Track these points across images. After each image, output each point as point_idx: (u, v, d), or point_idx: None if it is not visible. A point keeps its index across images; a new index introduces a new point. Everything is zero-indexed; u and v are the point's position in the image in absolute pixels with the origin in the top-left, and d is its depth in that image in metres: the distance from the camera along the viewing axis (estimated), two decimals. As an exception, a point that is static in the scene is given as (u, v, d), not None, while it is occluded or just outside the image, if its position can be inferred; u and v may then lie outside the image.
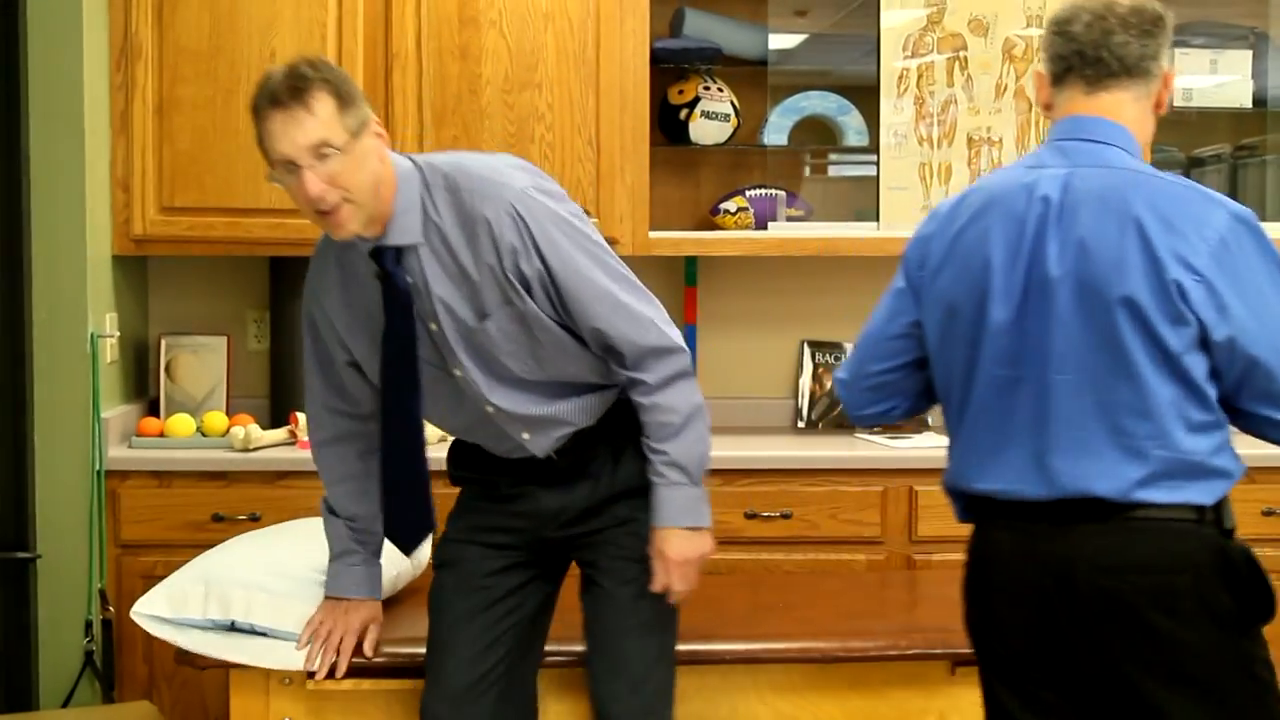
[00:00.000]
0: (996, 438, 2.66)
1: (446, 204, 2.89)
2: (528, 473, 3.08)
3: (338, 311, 3.02)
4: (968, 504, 2.79)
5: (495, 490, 3.13)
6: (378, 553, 3.24)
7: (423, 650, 3.17)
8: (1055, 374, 2.57)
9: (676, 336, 3.01)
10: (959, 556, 4.21)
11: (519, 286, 2.88)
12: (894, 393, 2.92)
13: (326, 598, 3.21)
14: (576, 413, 3.03)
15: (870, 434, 4.80)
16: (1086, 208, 2.56)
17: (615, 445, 3.08)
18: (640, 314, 2.96)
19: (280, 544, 3.50)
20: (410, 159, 2.94)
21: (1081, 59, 2.67)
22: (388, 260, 2.88)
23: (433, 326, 2.93)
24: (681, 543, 2.98)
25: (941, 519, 4.28)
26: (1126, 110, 2.68)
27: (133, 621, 3.33)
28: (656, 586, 2.99)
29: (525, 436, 3.02)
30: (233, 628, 3.26)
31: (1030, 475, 2.61)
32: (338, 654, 3.15)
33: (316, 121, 2.75)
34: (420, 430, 3.06)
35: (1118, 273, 2.51)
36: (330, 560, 3.21)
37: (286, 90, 2.75)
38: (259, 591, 3.24)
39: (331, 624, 3.17)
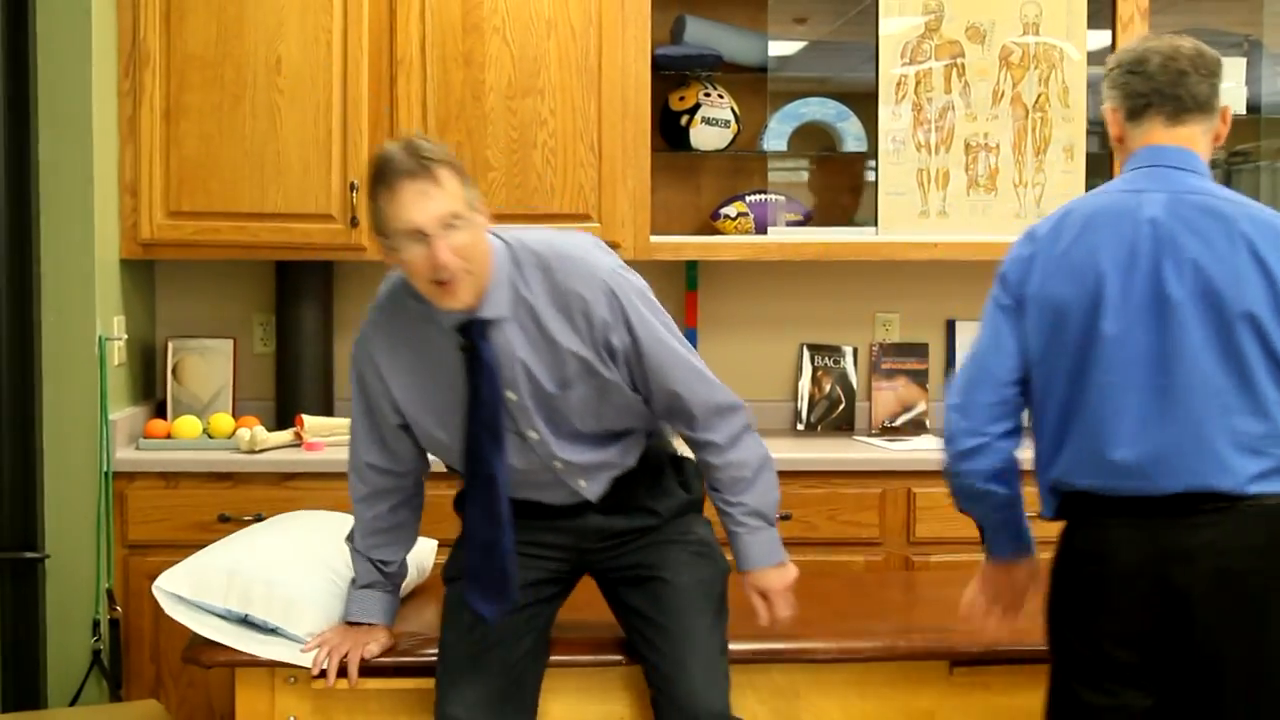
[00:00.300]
0: (1111, 439, 2.80)
1: (539, 281, 3.00)
2: (573, 511, 3.24)
3: (399, 377, 3.10)
4: (1065, 501, 2.92)
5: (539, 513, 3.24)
6: (399, 587, 3.34)
7: (428, 650, 3.23)
8: (1176, 381, 2.76)
9: (733, 393, 3.18)
10: (956, 558, 4.29)
11: (606, 356, 3.03)
12: (1011, 410, 2.98)
13: (345, 621, 3.27)
14: (623, 454, 3.19)
15: (869, 437, 4.84)
16: (1194, 229, 2.80)
17: (652, 477, 3.27)
18: (709, 375, 3.15)
19: (312, 543, 3.51)
20: (498, 235, 3.04)
21: (1160, 96, 2.90)
22: (475, 332, 2.98)
23: (511, 395, 3.04)
24: (775, 578, 3.24)
25: (939, 520, 4.34)
26: (1199, 142, 2.93)
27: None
28: (763, 620, 3.21)
29: (582, 484, 3.17)
30: (246, 621, 3.30)
31: (1151, 472, 2.77)
32: (343, 664, 3.20)
33: (445, 194, 2.88)
34: (505, 493, 3.09)
35: (1237, 289, 2.76)
36: (354, 587, 3.27)
37: (417, 164, 2.87)
38: (280, 591, 3.29)
39: (340, 639, 3.23)
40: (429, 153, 2.89)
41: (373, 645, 3.22)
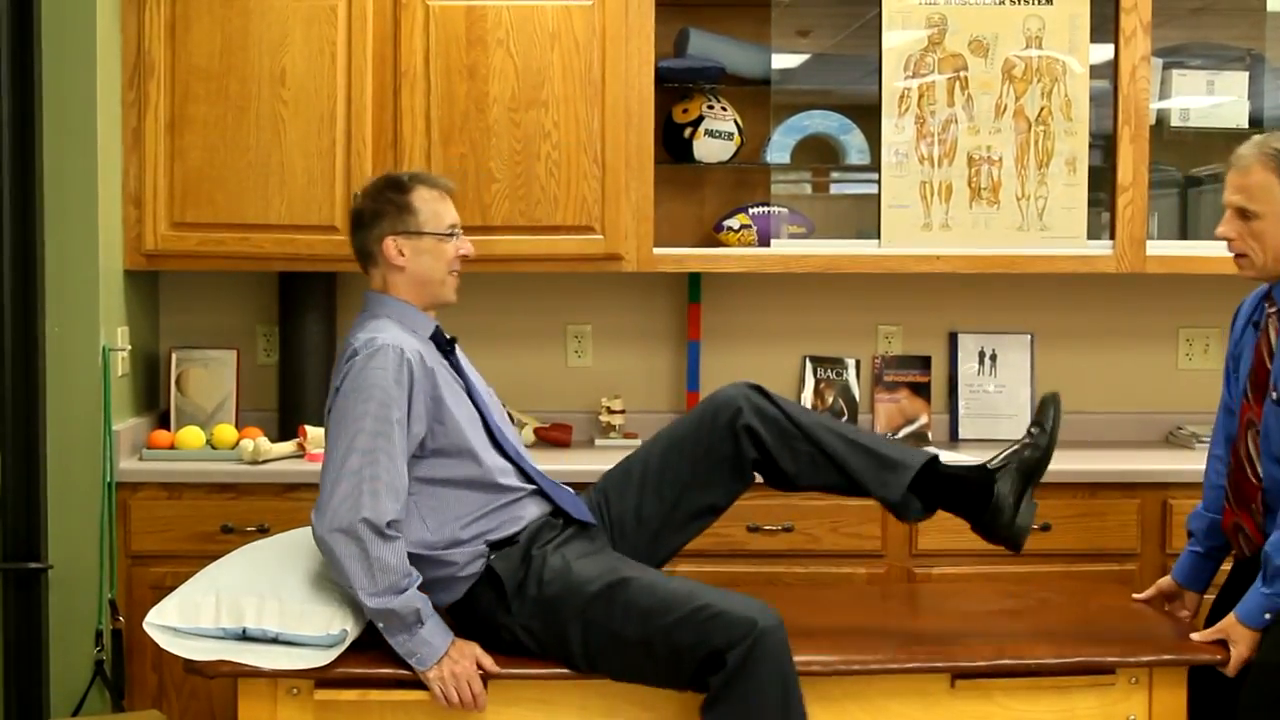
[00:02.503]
0: None
1: None
2: None
3: (438, 374, 3.45)
4: None
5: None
6: None
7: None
8: None
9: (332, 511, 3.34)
10: (959, 570, 4.31)
11: None
12: None
13: (449, 648, 3.28)
14: None
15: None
16: None
17: None
18: (331, 475, 3.35)
19: (287, 552, 3.54)
20: None
21: None
22: (444, 338, 3.58)
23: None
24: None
25: (941, 533, 4.34)
26: None
27: (143, 631, 3.36)
28: None
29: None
30: (245, 635, 3.30)
31: None
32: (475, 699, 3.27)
33: None
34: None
35: None
36: (427, 620, 3.27)
37: (442, 180, 3.63)
38: (270, 598, 3.29)
39: (454, 674, 3.25)
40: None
41: (485, 660, 3.29)
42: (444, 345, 3.56)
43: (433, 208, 3.53)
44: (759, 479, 3.62)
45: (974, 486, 3.48)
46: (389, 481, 3.26)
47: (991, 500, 3.44)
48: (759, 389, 3.59)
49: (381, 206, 3.52)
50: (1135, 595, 3.82)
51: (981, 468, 3.50)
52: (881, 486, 3.48)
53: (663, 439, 3.64)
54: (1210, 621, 3.49)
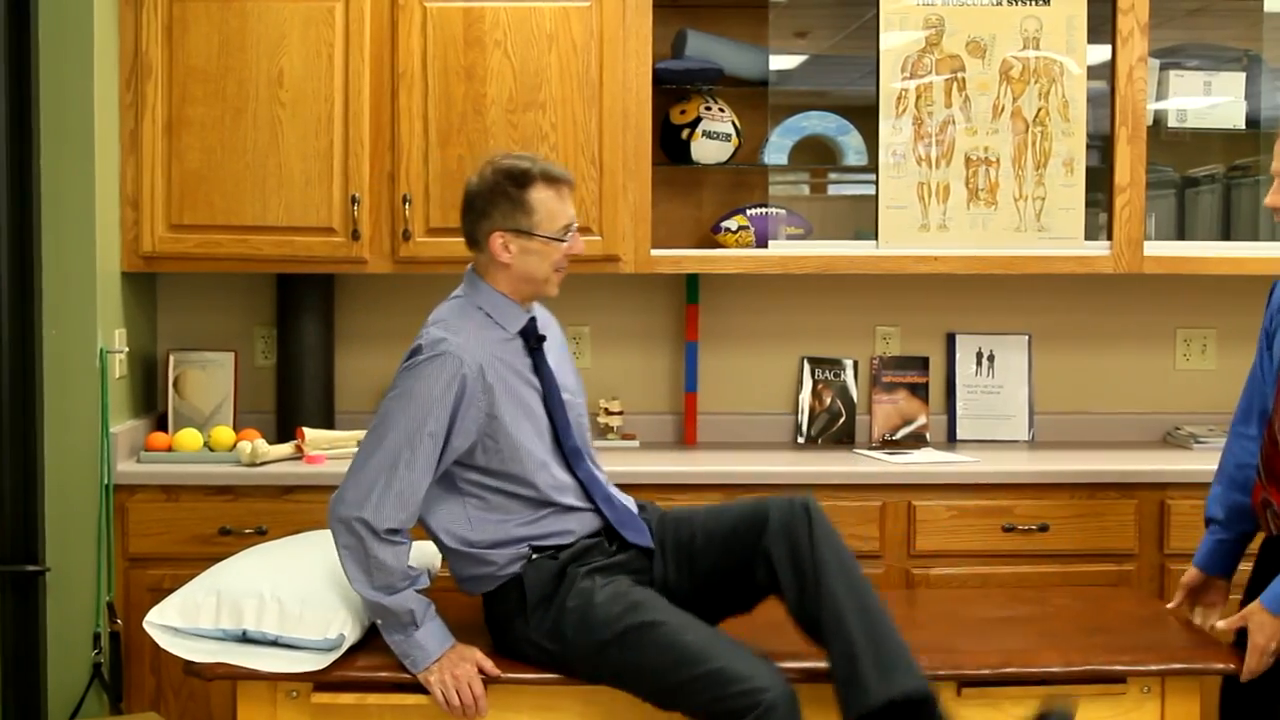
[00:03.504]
0: None
1: None
2: None
3: (500, 384, 3.38)
4: None
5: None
6: None
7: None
8: None
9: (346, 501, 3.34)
10: (957, 571, 4.32)
11: None
12: None
13: (447, 651, 3.27)
14: None
15: (869, 450, 4.85)
16: None
17: None
18: (358, 465, 3.34)
19: (290, 555, 3.55)
20: None
21: None
22: (535, 334, 3.49)
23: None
24: None
25: (940, 534, 4.35)
26: None
27: (141, 634, 3.37)
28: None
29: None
30: (245, 637, 3.31)
31: None
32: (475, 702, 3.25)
33: None
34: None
35: None
36: (424, 623, 3.26)
37: (562, 172, 3.47)
38: (271, 600, 3.29)
39: (453, 675, 3.24)
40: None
41: (485, 664, 3.27)
42: (532, 342, 3.47)
43: (549, 208, 3.39)
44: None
45: None
46: (400, 491, 3.24)
47: None
48: (809, 512, 3.30)
49: (495, 197, 3.39)
50: (1168, 605, 3.72)
51: None
52: (860, 683, 3.13)
53: (714, 516, 3.47)
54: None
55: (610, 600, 3.27)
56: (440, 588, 3.46)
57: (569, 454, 3.44)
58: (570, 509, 3.41)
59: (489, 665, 3.27)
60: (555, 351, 3.54)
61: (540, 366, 3.46)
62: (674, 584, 3.40)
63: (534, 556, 3.35)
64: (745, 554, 3.33)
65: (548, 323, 3.58)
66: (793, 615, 3.27)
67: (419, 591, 3.28)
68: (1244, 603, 3.43)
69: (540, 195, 3.38)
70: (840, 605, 3.20)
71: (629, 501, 3.54)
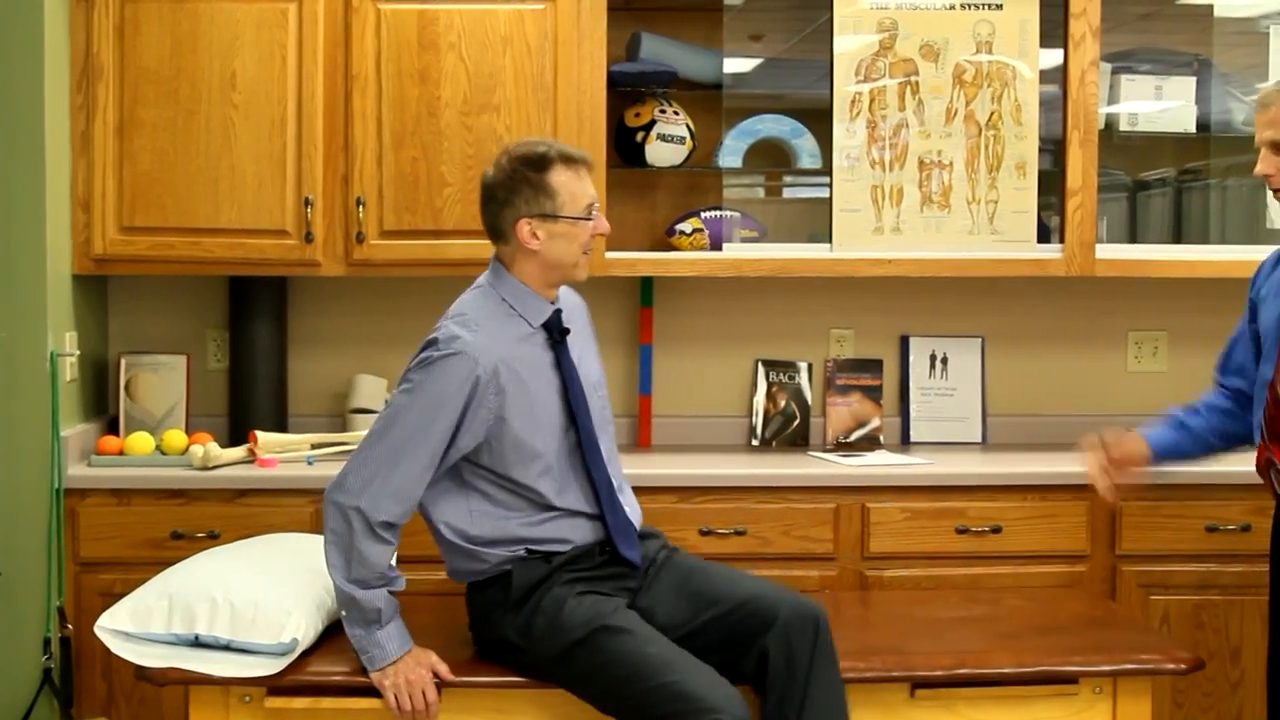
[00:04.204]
0: None
1: None
2: None
3: (514, 386, 3.36)
4: None
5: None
6: None
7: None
8: None
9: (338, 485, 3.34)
10: (910, 573, 4.33)
11: None
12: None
13: (405, 654, 3.27)
14: None
15: (824, 452, 4.86)
16: None
17: None
18: (360, 454, 3.35)
19: (243, 559, 3.53)
20: None
21: None
22: (559, 326, 3.47)
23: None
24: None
25: (893, 535, 4.37)
26: None
27: (91, 639, 3.35)
28: None
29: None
30: (197, 642, 3.29)
31: None
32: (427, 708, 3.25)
33: None
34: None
35: None
36: (378, 627, 3.25)
37: (580, 153, 3.45)
38: (223, 604, 3.28)
39: (406, 679, 3.24)
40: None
41: (440, 667, 3.28)
42: (555, 332, 3.46)
43: (570, 189, 3.37)
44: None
45: None
46: (398, 486, 3.25)
47: None
48: (818, 625, 3.29)
49: (517, 184, 3.38)
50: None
51: None
52: None
53: (728, 579, 3.46)
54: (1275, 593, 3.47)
55: (583, 606, 3.28)
56: (412, 591, 3.43)
57: (587, 452, 3.42)
58: (573, 514, 3.40)
59: (443, 669, 3.27)
60: (579, 343, 3.54)
61: (562, 360, 3.44)
62: (659, 619, 3.36)
63: (526, 557, 3.35)
64: (743, 637, 3.30)
65: (573, 310, 3.57)
66: (764, 717, 3.25)
67: (392, 593, 3.28)
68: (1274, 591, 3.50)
69: (561, 177, 3.37)
70: None
71: (635, 511, 3.54)
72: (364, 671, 3.27)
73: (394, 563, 3.32)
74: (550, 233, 3.37)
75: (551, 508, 3.38)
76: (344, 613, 3.28)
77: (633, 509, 3.53)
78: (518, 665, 3.32)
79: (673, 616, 3.36)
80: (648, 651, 3.19)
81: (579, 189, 3.39)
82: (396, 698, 3.23)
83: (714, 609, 3.34)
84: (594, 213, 3.42)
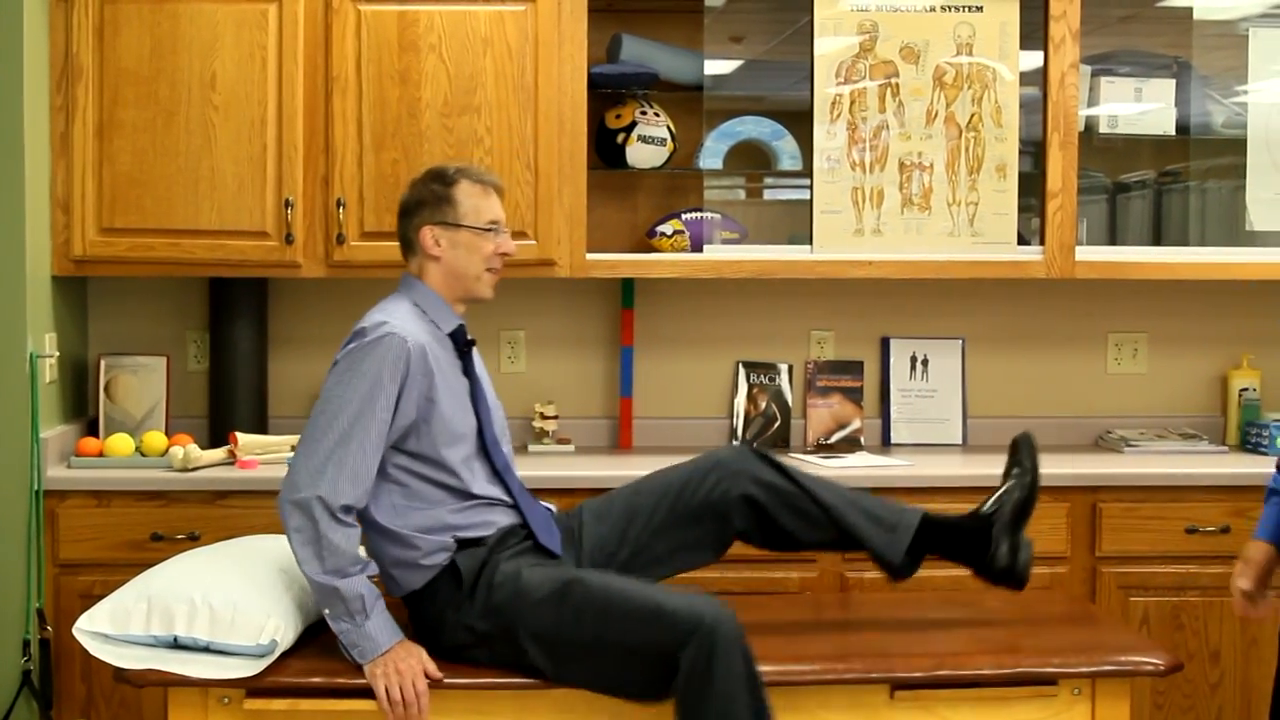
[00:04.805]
0: None
1: None
2: None
3: (440, 372, 3.46)
4: None
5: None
6: None
7: (359, 679, 3.24)
8: None
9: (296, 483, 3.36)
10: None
11: None
12: None
13: (395, 645, 3.27)
14: None
15: (804, 454, 4.86)
16: None
17: None
18: (308, 445, 3.38)
19: (222, 560, 3.52)
20: None
21: None
22: (465, 338, 3.59)
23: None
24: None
25: (873, 538, 4.35)
26: None
27: (71, 640, 3.34)
28: None
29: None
30: (176, 643, 3.28)
31: None
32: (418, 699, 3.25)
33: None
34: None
35: None
36: (373, 613, 3.26)
37: (496, 180, 3.64)
38: (202, 606, 3.27)
39: (397, 672, 3.23)
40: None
41: (429, 665, 3.28)
42: (462, 345, 3.58)
43: (474, 202, 3.54)
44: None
45: (970, 534, 3.57)
46: (354, 468, 3.28)
47: (990, 545, 3.53)
48: (757, 452, 3.65)
49: (423, 196, 3.56)
50: (1242, 586, 3.43)
51: (974, 515, 3.58)
52: (885, 547, 3.58)
53: (652, 483, 3.67)
54: None
55: (539, 570, 3.36)
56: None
57: (491, 453, 3.54)
58: (490, 503, 3.48)
59: (431, 667, 3.27)
60: (479, 366, 3.67)
61: (469, 369, 3.57)
62: (614, 553, 3.57)
63: (457, 551, 3.39)
64: (707, 509, 3.56)
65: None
66: (784, 533, 3.58)
67: (370, 579, 3.30)
68: None
69: (464, 191, 3.54)
70: (834, 495, 3.59)
71: (548, 506, 3.66)
72: (344, 673, 3.26)
73: (362, 552, 3.33)
74: (452, 241, 3.53)
75: (471, 495, 3.44)
76: (327, 611, 3.27)
77: (544, 505, 3.67)
78: (488, 659, 3.34)
79: (626, 549, 3.57)
80: (618, 585, 3.29)
81: (483, 204, 3.56)
82: (387, 689, 3.22)
83: (663, 509, 3.59)
84: (499, 230, 3.57)
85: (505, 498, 3.52)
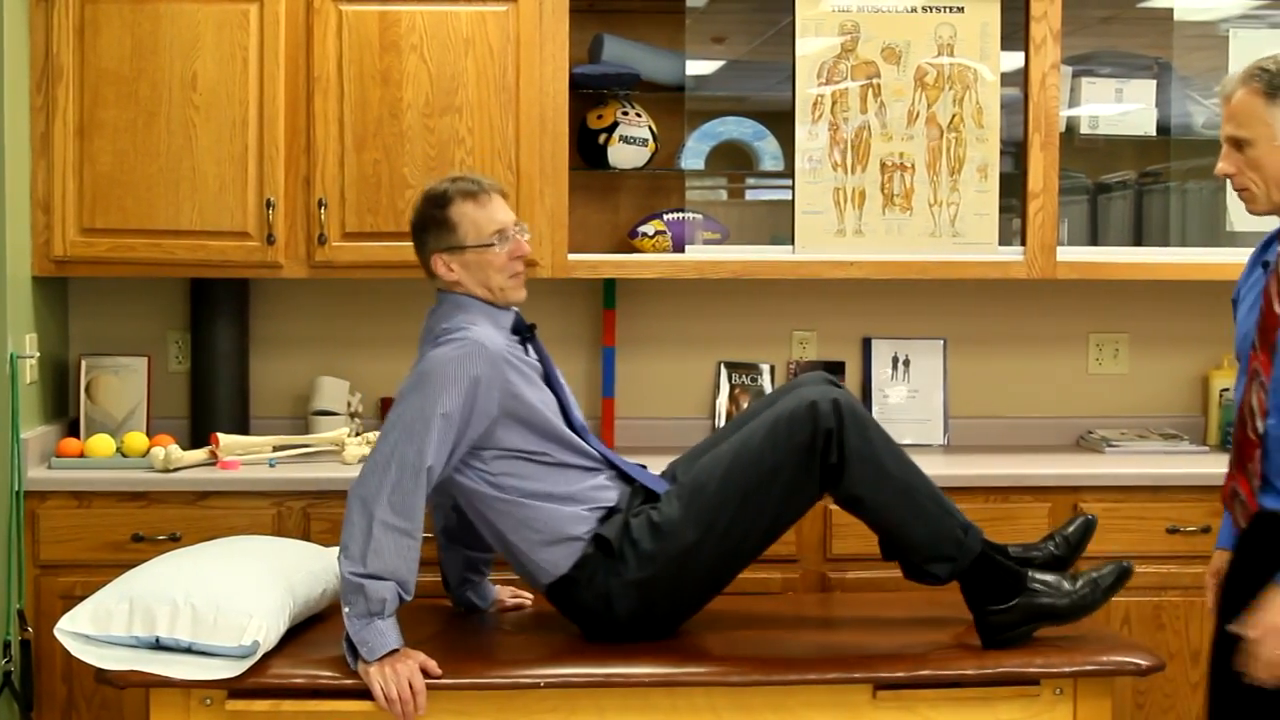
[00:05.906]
0: None
1: None
2: None
3: (517, 373, 3.51)
4: None
5: None
6: None
7: (347, 679, 3.25)
8: None
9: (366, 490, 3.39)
10: (873, 574, 4.33)
11: None
12: None
13: (393, 651, 3.26)
14: None
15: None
16: None
17: None
18: (375, 464, 3.39)
19: (204, 561, 3.51)
20: None
21: None
22: (525, 325, 3.65)
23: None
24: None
25: (856, 537, 4.34)
26: None
27: (51, 641, 3.34)
28: None
29: None
30: (158, 644, 3.28)
31: None
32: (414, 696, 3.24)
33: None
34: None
35: None
36: (378, 618, 3.26)
37: (491, 183, 3.64)
38: (184, 606, 3.27)
39: (398, 675, 3.23)
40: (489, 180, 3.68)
41: (429, 664, 3.27)
42: (524, 332, 3.63)
43: (472, 219, 3.56)
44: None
45: (1000, 584, 3.52)
46: (416, 471, 3.31)
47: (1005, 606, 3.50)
48: (843, 394, 3.55)
49: (425, 221, 3.61)
50: (1210, 603, 3.43)
51: (1018, 576, 3.52)
52: (928, 563, 3.57)
53: (736, 423, 3.72)
54: (1221, 621, 3.22)
55: (659, 508, 3.51)
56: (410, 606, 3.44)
57: (577, 428, 3.62)
58: (594, 470, 3.59)
59: (432, 665, 3.26)
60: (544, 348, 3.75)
61: (538, 351, 3.66)
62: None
63: (591, 516, 3.52)
64: (801, 441, 3.49)
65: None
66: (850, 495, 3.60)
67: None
68: (1222, 603, 3.27)
69: (460, 210, 3.56)
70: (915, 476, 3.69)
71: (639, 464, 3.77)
72: (326, 674, 3.26)
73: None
74: (462, 263, 3.57)
75: (575, 466, 3.55)
76: (346, 609, 3.27)
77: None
78: (655, 594, 3.45)
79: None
80: (729, 445, 3.54)
81: (482, 217, 3.57)
82: (384, 688, 3.21)
83: (736, 426, 3.67)
84: (509, 235, 3.58)
85: (598, 464, 3.60)
